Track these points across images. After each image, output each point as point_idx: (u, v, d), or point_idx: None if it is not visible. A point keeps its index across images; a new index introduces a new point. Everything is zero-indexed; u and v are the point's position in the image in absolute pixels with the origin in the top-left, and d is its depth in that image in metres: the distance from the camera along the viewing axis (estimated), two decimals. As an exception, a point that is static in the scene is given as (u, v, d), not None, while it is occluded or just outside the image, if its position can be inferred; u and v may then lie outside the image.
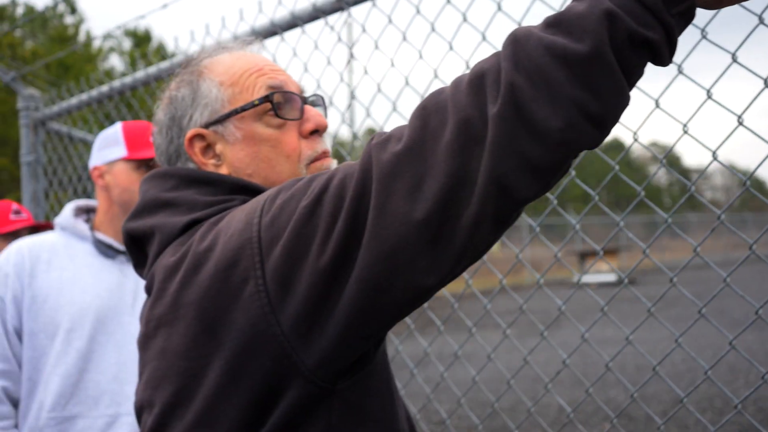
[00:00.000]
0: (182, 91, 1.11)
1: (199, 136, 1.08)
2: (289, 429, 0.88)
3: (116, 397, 1.87)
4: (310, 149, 1.10)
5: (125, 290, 1.96)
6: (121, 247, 2.00)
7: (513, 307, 10.79)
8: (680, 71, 1.63)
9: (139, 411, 1.00)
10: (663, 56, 0.80)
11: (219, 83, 1.09)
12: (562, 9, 0.81)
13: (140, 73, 3.19)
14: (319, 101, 1.19)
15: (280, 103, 1.08)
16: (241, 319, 0.86)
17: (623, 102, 0.79)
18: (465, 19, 2.03)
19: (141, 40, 24.03)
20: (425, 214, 0.78)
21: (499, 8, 1.97)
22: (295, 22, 2.42)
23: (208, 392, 0.88)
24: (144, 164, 1.98)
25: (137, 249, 1.11)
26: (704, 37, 1.55)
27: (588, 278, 16.44)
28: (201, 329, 0.89)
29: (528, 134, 0.76)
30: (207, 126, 1.08)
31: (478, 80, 0.79)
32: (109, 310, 1.91)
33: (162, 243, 1.02)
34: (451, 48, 2.10)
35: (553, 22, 0.79)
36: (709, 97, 1.56)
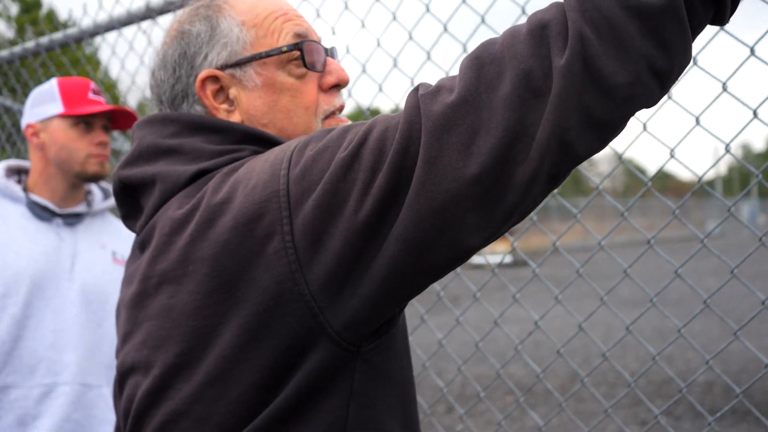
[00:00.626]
0: (197, 26, 1.01)
1: (213, 78, 1.00)
2: (310, 392, 0.84)
3: (53, 366, 1.80)
4: (327, 103, 1.04)
5: (63, 254, 1.90)
6: (57, 209, 1.94)
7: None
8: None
9: (126, 372, 0.95)
10: (725, 13, 0.77)
11: (241, 22, 1.01)
12: None
13: (30, 44, 3.10)
14: (336, 53, 1.11)
15: (308, 53, 1.02)
16: (265, 276, 0.81)
17: (686, 60, 0.77)
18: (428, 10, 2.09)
19: (30, 5, 22.66)
20: (479, 169, 0.74)
21: None
22: None
23: (222, 352, 0.84)
24: (82, 121, 1.92)
25: (129, 199, 1.03)
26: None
27: (484, 260, 16.87)
28: (215, 286, 0.84)
29: (595, 89, 0.73)
30: (224, 68, 1.00)
31: (539, 30, 0.75)
32: (46, 274, 1.84)
33: (165, 193, 0.94)
34: (411, 38, 2.15)
35: None
36: None
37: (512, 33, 0.78)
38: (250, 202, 0.83)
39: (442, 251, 0.79)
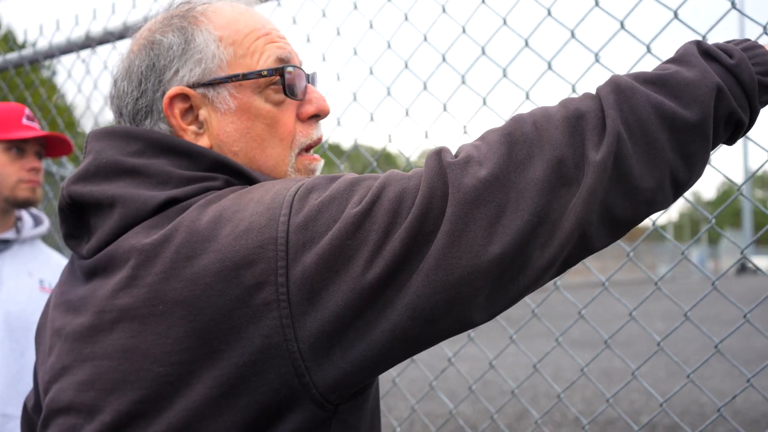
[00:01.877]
0: (170, 37, 0.93)
1: (183, 96, 0.92)
2: None
3: None
4: (305, 135, 0.98)
5: None
6: None
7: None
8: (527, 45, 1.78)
9: (58, 411, 0.86)
10: (739, 136, 0.85)
11: (218, 38, 0.93)
12: (663, 71, 0.82)
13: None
14: (316, 80, 1.04)
15: (289, 79, 0.95)
16: (250, 327, 0.75)
17: (701, 174, 0.82)
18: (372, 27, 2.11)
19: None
20: (502, 249, 0.74)
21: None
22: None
23: (190, 404, 0.76)
24: (14, 146, 1.90)
25: (76, 217, 0.93)
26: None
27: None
28: (190, 332, 0.76)
29: (621, 188, 0.76)
30: (195, 86, 0.93)
31: (575, 120, 0.78)
32: None
33: (127, 219, 0.85)
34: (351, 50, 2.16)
35: (658, 82, 0.80)
36: (550, 68, 1.72)
37: (546, 115, 0.79)
38: (241, 246, 0.76)
39: (447, 324, 0.77)
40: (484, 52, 1.85)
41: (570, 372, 7.57)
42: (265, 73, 0.93)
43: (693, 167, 0.80)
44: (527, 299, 1.90)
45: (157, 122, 0.94)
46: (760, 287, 21.77)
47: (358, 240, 0.75)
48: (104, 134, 0.93)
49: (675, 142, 0.78)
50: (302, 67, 0.98)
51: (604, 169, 0.75)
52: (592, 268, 1.69)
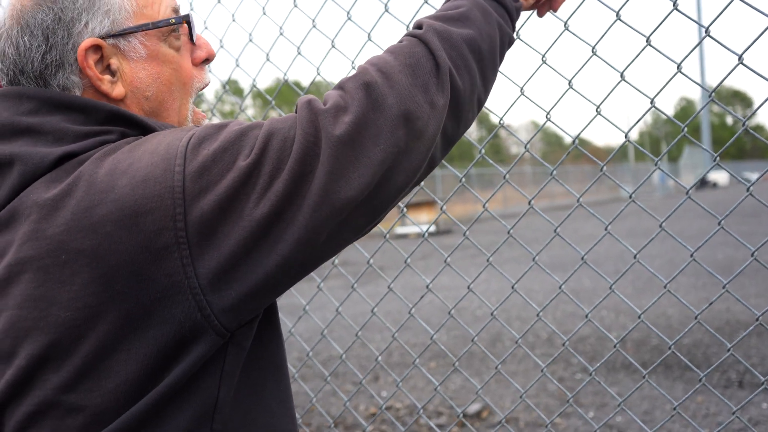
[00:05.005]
0: None
1: (95, 47, 0.95)
2: (188, 379, 0.86)
3: None
4: (199, 80, 1.07)
5: None
6: None
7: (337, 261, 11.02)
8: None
9: None
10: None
11: None
12: (458, 9, 1.05)
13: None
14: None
15: (193, 27, 1.04)
16: (152, 269, 0.81)
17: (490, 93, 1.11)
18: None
19: None
20: (371, 178, 0.87)
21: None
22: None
23: (99, 343, 0.83)
24: None
25: None
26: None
27: (408, 229, 17.11)
28: (94, 278, 0.82)
29: (453, 114, 0.99)
30: (106, 37, 0.96)
31: (414, 65, 0.94)
32: None
33: (25, 176, 0.89)
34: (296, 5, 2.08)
35: (461, 19, 1.02)
36: (518, 37, 1.68)
37: (386, 63, 0.94)
38: (139, 195, 0.82)
39: (330, 247, 0.90)
40: None
41: (541, 295, 7.72)
42: (173, 21, 1.01)
43: (489, 87, 1.04)
44: (501, 224, 1.89)
45: (69, 75, 0.96)
46: (719, 200, 22.34)
47: (248, 186, 0.84)
48: None
49: (480, 70, 1.01)
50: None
51: (445, 105, 0.94)
52: (562, 189, 1.67)
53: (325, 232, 0.87)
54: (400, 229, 17.38)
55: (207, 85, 1.09)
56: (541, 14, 1.23)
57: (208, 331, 0.84)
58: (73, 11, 0.94)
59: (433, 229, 17.37)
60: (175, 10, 1.04)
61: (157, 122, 0.98)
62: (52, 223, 0.84)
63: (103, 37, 0.96)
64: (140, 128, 0.96)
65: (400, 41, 1.00)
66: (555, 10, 1.23)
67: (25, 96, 0.93)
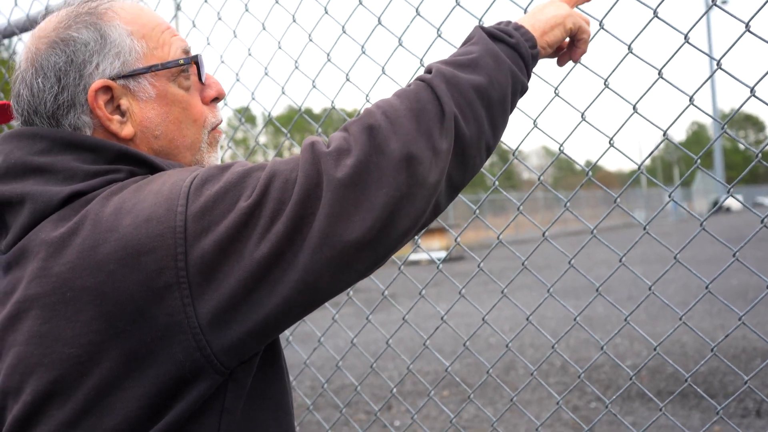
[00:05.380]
0: (85, 34, 0.99)
1: (106, 89, 0.98)
2: (188, 417, 0.87)
3: None
4: (213, 116, 1.09)
5: None
6: None
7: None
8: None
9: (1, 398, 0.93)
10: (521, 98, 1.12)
11: (130, 32, 1.01)
12: (468, 55, 1.04)
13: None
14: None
15: (201, 68, 1.07)
16: (154, 308, 0.83)
17: (500, 139, 1.10)
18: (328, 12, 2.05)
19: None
20: (372, 222, 0.87)
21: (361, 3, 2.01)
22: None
23: (102, 380, 0.84)
24: None
25: None
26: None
27: (420, 256, 17.08)
28: (97, 315, 0.84)
29: (458, 161, 0.99)
30: (116, 78, 0.99)
31: (419, 110, 0.94)
32: None
33: (35, 214, 0.92)
34: (326, 12, 2.11)
35: (471, 65, 1.02)
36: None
37: (392, 107, 0.94)
38: (142, 234, 0.84)
39: (331, 290, 0.90)
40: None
41: (554, 321, 7.68)
42: (182, 62, 1.03)
43: (498, 135, 1.03)
44: (516, 252, 1.90)
45: (80, 115, 0.99)
46: (733, 226, 22.21)
47: (249, 227, 0.85)
48: (12, 136, 0.98)
49: (489, 117, 0.99)
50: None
51: (448, 151, 0.94)
52: (575, 216, 1.67)
53: (326, 275, 0.87)
54: (412, 256, 17.35)
55: (220, 122, 1.11)
56: (561, 63, 1.23)
57: (208, 370, 0.85)
58: (84, 53, 0.98)
59: (444, 255, 17.33)
60: (186, 51, 1.06)
61: (165, 161, 1.00)
62: (59, 261, 0.86)
63: (113, 78, 0.99)
64: (148, 167, 0.98)
65: (409, 85, 1.01)
66: (575, 61, 1.23)
67: (38, 136, 0.96)
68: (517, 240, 21.17)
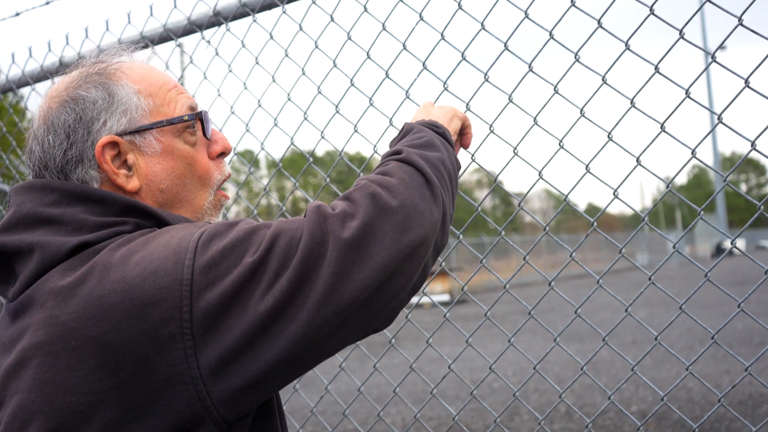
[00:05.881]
0: (93, 93, 1.04)
1: (112, 144, 1.03)
2: None
3: None
4: (219, 172, 1.13)
5: None
6: None
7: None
8: (510, 100, 1.78)
9: None
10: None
11: (137, 91, 1.06)
12: (423, 138, 1.18)
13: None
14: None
15: (206, 123, 1.11)
16: (157, 358, 0.84)
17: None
18: (349, 37, 2.10)
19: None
20: (373, 281, 0.92)
21: (384, 28, 2.06)
22: (168, 35, 2.37)
23: (100, 430, 0.84)
24: None
25: (2, 264, 1.02)
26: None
27: (423, 299, 16.99)
28: (101, 364, 0.85)
29: (444, 228, 1.10)
30: (123, 134, 1.03)
31: (412, 182, 1.04)
32: None
33: (44, 263, 0.94)
34: (335, 65, 2.14)
35: (432, 146, 1.16)
36: (536, 123, 1.71)
37: (387, 178, 1.03)
38: (150, 286, 0.86)
39: (330, 347, 0.94)
40: (464, 58, 1.85)
41: (558, 366, 7.62)
42: (187, 118, 1.07)
43: (454, 205, 1.17)
44: (519, 298, 1.91)
45: (88, 170, 1.03)
46: (737, 269, 22.13)
47: (254, 282, 0.88)
48: (25, 188, 1.02)
49: (451, 189, 1.14)
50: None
51: (440, 213, 1.04)
52: (583, 263, 1.69)
53: (326, 331, 0.90)
54: (414, 299, 17.25)
55: (228, 177, 1.15)
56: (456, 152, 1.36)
57: (207, 422, 0.87)
58: (93, 111, 1.03)
59: (447, 298, 17.28)
60: (192, 108, 1.10)
61: (170, 214, 1.03)
62: (65, 310, 0.88)
63: (120, 134, 1.03)
64: (154, 219, 1.01)
65: (385, 164, 1.10)
66: (467, 148, 1.41)
67: (49, 188, 1.00)
68: (520, 283, 21.10)
